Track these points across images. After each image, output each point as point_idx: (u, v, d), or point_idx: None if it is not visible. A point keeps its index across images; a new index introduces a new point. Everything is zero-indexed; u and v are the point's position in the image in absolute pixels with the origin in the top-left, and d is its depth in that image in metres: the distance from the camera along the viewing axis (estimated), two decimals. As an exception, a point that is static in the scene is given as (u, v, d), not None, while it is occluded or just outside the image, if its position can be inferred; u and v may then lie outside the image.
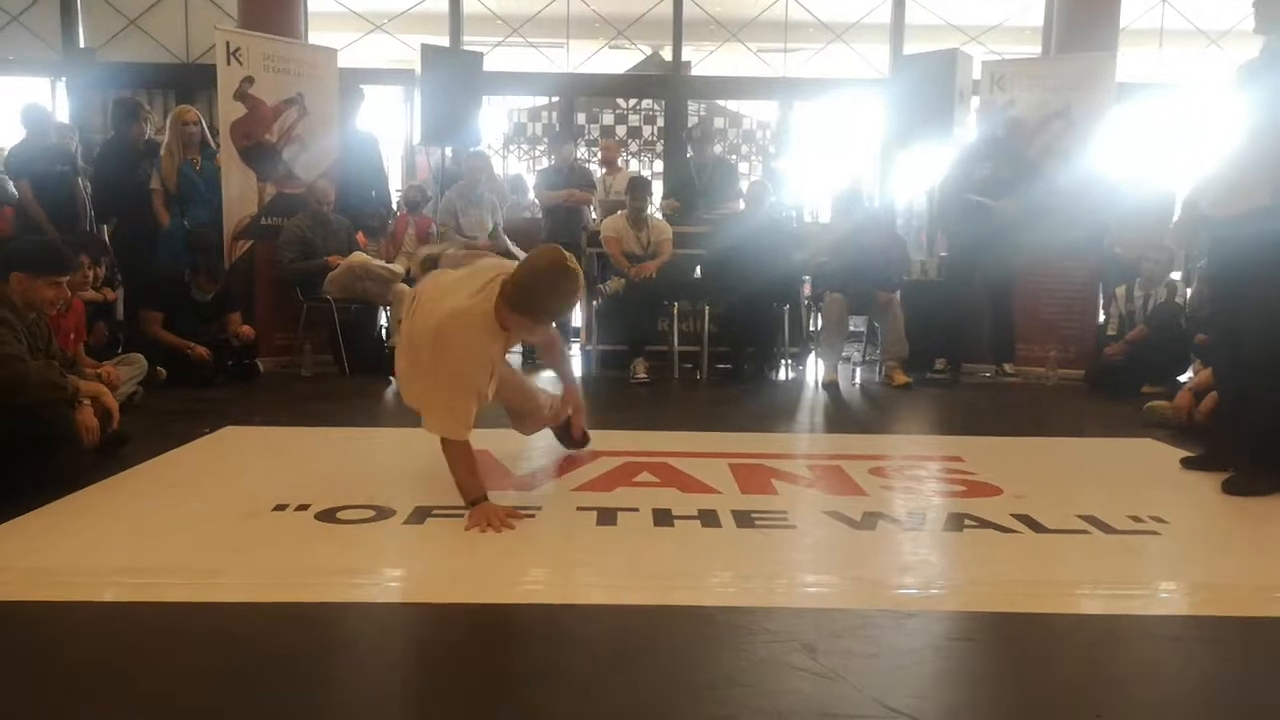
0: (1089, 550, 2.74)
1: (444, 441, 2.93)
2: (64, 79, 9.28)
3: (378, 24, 9.61)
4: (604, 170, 7.99)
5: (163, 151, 6.19)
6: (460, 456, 2.92)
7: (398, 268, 6.42)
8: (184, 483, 3.34)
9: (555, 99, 10.14)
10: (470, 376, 2.87)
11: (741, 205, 6.97)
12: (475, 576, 2.50)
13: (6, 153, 6.26)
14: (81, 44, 9.33)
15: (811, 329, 6.95)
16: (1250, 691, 1.92)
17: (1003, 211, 6.28)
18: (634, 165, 9.75)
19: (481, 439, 4.01)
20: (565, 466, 3.65)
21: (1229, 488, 3.39)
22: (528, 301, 2.80)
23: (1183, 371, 5.73)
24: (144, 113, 6.60)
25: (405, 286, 6.25)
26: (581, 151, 9.37)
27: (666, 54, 9.94)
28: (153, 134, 6.66)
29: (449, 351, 2.83)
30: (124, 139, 6.42)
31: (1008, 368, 6.60)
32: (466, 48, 9.16)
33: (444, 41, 9.14)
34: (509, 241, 7.20)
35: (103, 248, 5.74)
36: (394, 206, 7.71)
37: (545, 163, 9.20)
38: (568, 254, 2.84)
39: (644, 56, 10.38)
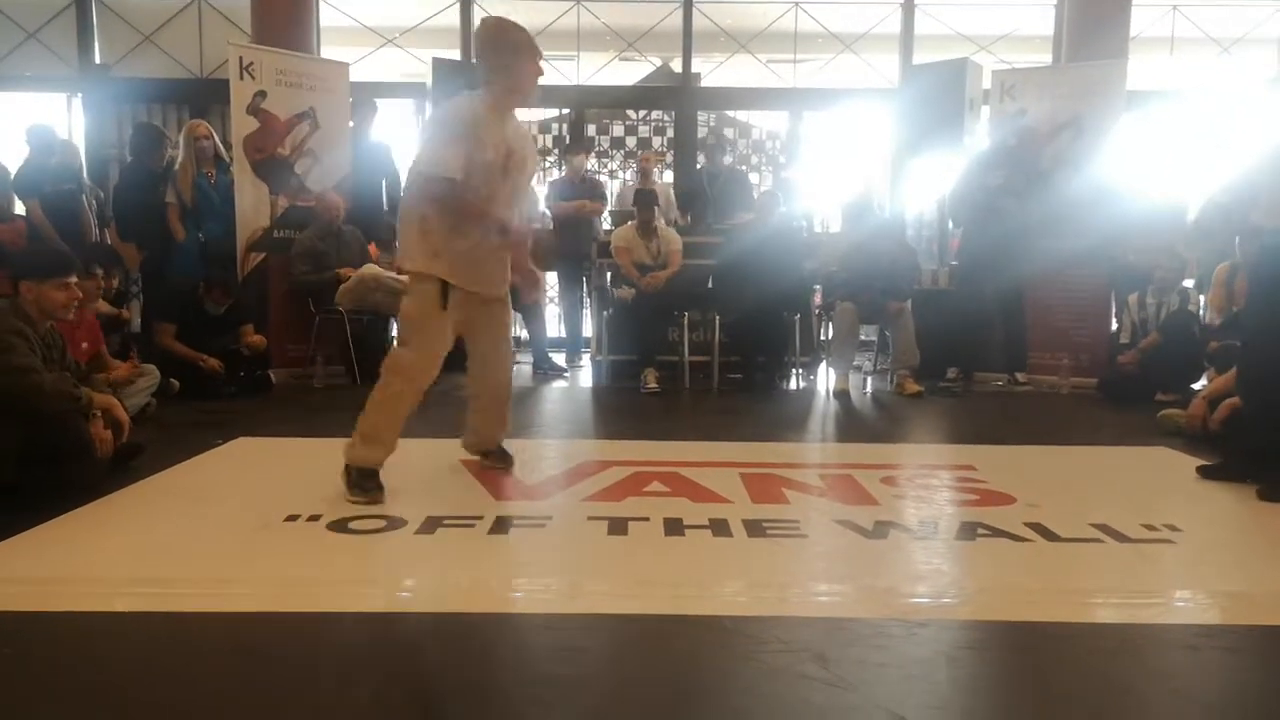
0: (1103, 559, 2.72)
1: (433, 187, 3.07)
2: (80, 95, 9.37)
3: (389, 38, 9.67)
4: (640, 181, 7.95)
5: (177, 166, 6.25)
6: (454, 194, 3.06)
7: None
8: (196, 494, 3.35)
9: (566, 111, 10.18)
10: (455, 124, 3.10)
11: (751, 215, 6.97)
12: (486, 586, 2.50)
13: (14, 172, 6.34)
14: (97, 60, 9.42)
15: (822, 338, 6.94)
16: (1267, 701, 1.90)
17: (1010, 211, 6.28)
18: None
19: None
20: (576, 476, 3.65)
21: (1267, 495, 3.35)
22: (495, 63, 3.17)
23: (1197, 379, 5.70)
24: (168, 141, 6.67)
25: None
26: (592, 162, 9.39)
27: (676, 65, 9.96)
28: (170, 152, 6.72)
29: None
30: (143, 165, 6.49)
31: (1020, 376, 6.57)
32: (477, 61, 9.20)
33: (455, 55, 9.19)
34: None
35: (114, 258, 5.79)
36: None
37: (555, 174, 9.22)
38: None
39: (654, 68, 10.42)
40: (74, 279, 3.48)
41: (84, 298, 4.50)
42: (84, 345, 4.52)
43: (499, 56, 3.20)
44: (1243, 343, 3.96)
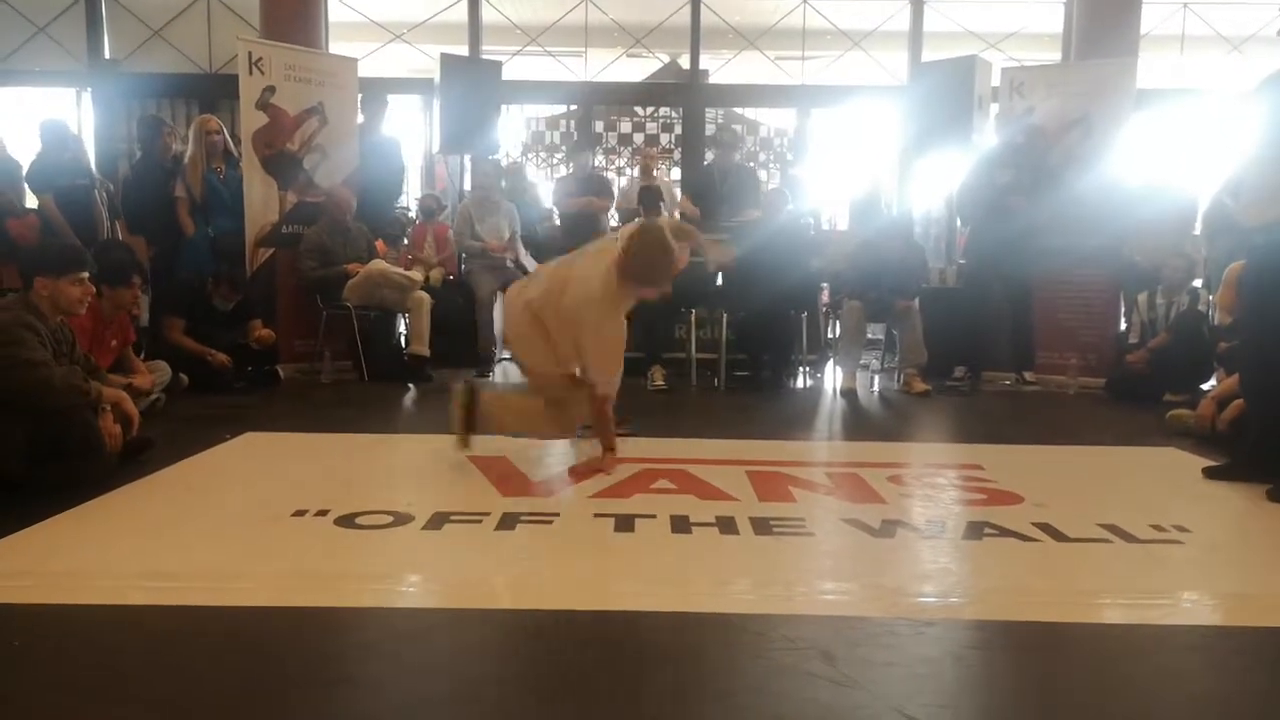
0: (1111, 559, 2.72)
1: (601, 399, 3.61)
2: (89, 89, 9.40)
3: (398, 34, 9.68)
4: (639, 177, 7.96)
5: (186, 161, 6.27)
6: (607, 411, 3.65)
7: (416, 275, 6.47)
8: (205, 488, 3.36)
9: (573, 107, 10.17)
10: (620, 344, 3.65)
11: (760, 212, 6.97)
12: (492, 582, 2.51)
13: (27, 167, 6.35)
14: (107, 55, 9.45)
15: (829, 336, 6.93)
16: (1275, 702, 1.89)
17: (1019, 209, 6.26)
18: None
19: (498, 445, 4.04)
20: (582, 474, 3.65)
21: (1277, 496, 3.33)
22: (634, 272, 3.48)
23: (1206, 380, 5.68)
24: (166, 128, 6.68)
25: (424, 294, 6.30)
26: (599, 159, 9.39)
27: (684, 62, 9.98)
28: (178, 147, 6.73)
29: (603, 328, 3.53)
30: (151, 158, 6.50)
31: (1028, 376, 6.55)
32: (485, 57, 9.22)
33: (463, 51, 9.20)
34: (522, 250, 7.22)
35: (136, 262, 5.81)
36: (407, 209, 7.77)
37: (563, 170, 9.23)
38: (665, 231, 3.51)
39: (662, 64, 10.42)
40: (88, 274, 3.49)
41: (125, 304, 4.57)
42: (113, 343, 4.54)
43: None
44: (1240, 343, 3.95)
